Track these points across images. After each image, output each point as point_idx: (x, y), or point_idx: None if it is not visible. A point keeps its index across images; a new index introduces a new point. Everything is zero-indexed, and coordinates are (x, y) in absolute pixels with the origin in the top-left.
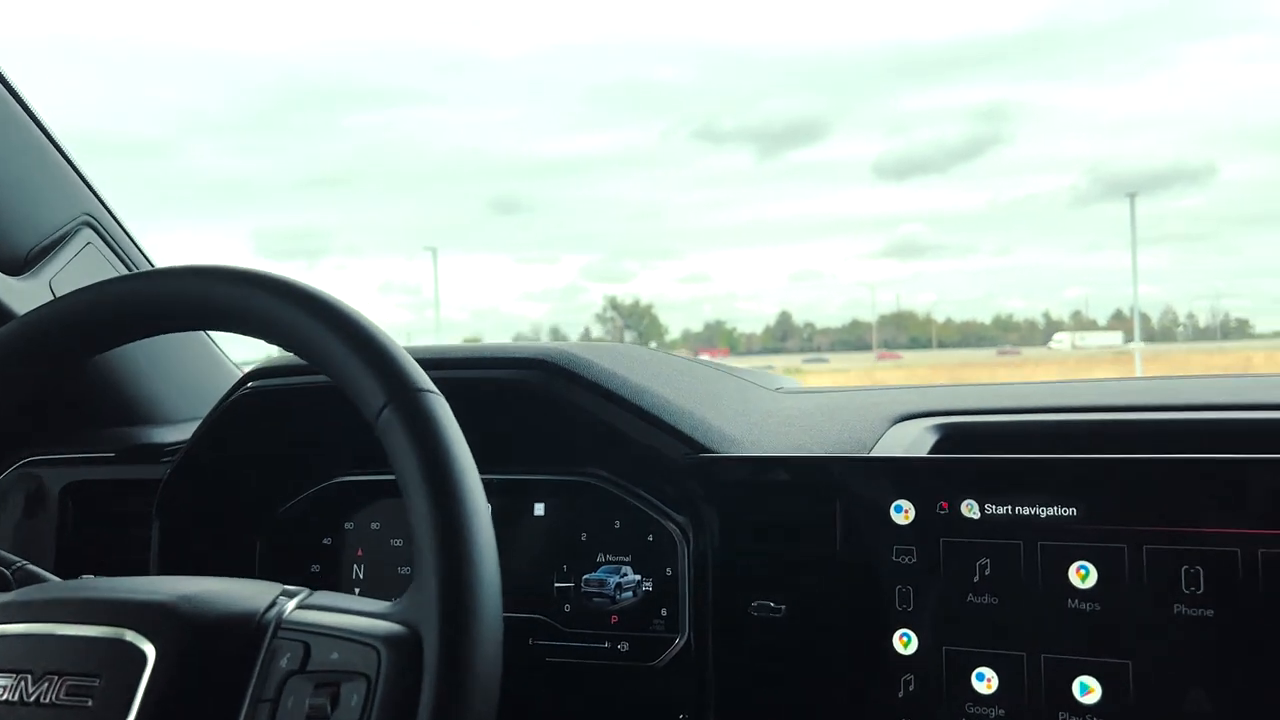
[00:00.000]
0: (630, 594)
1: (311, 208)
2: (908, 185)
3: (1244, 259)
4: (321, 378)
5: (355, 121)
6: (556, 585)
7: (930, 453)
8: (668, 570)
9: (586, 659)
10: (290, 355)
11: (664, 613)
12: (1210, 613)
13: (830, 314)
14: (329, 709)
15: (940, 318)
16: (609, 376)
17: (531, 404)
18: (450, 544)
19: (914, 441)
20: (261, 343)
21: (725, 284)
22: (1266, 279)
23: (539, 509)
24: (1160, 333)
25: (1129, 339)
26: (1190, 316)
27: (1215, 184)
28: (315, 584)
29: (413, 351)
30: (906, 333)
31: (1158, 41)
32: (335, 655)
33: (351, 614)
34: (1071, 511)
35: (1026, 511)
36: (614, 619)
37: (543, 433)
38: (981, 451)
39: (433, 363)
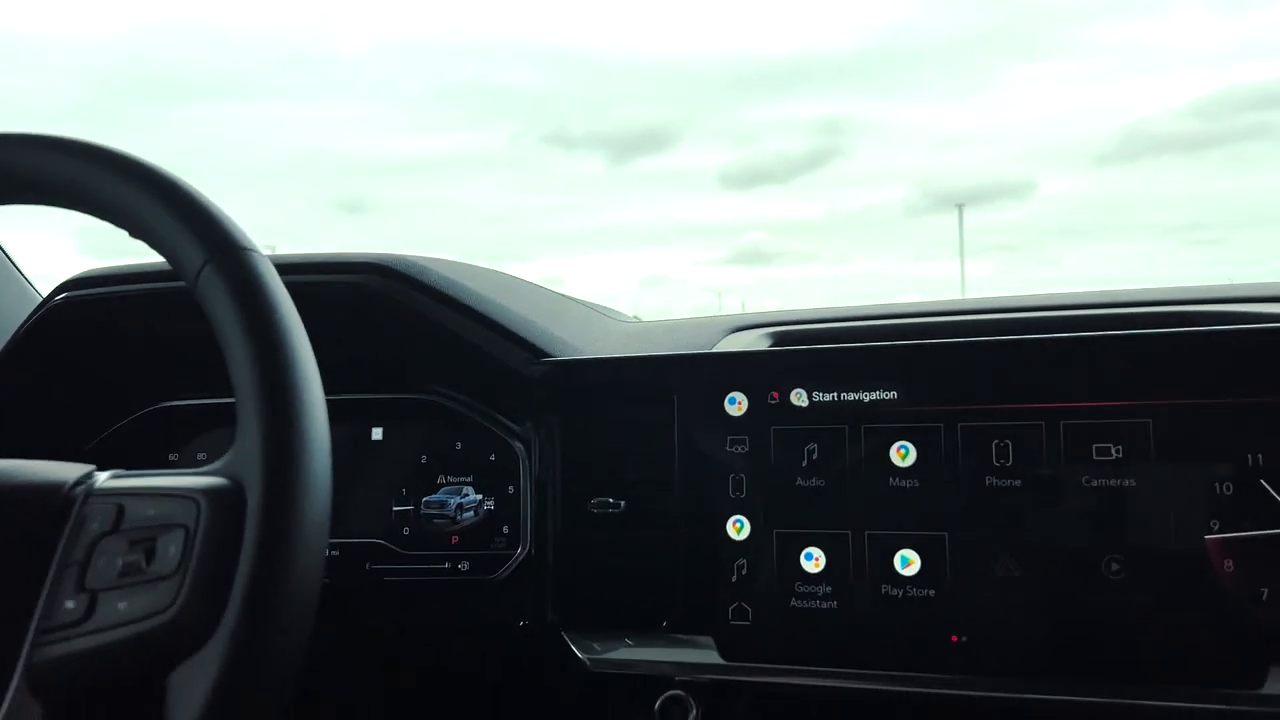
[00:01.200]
0: (471, 514)
1: None
2: (752, 194)
3: (1061, 269)
4: (144, 287)
5: (187, 114)
6: (395, 509)
7: None
8: (509, 488)
9: (425, 578)
10: (108, 265)
11: (505, 530)
12: (1018, 482)
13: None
14: (144, 563)
15: None
16: (449, 283)
17: (369, 314)
18: (275, 394)
19: (749, 344)
20: None
21: (577, 287)
22: (1080, 288)
23: (377, 433)
24: None
25: None
26: None
27: (1034, 198)
28: None
29: None
30: None
31: (983, 64)
32: (151, 512)
33: (170, 475)
34: (892, 395)
35: (851, 397)
36: (454, 539)
37: (382, 348)
38: None
39: None
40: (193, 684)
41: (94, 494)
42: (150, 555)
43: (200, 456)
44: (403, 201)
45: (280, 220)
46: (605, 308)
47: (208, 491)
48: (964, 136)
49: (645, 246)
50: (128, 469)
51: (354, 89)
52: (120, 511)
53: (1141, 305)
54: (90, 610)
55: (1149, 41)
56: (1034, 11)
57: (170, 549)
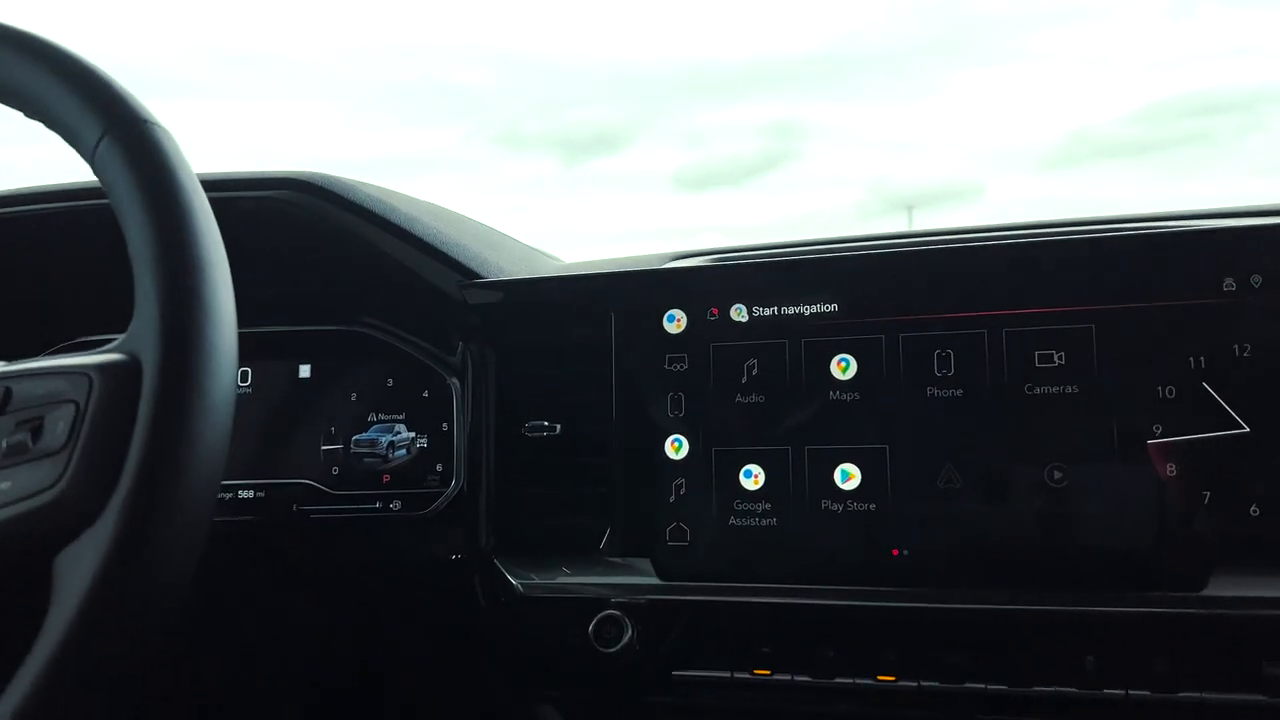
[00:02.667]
0: (404, 452)
1: None
2: (706, 196)
3: None
4: (51, 207)
5: None
6: (324, 448)
7: None
8: (443, 425)
9: (355, 516)
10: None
11: (439, 468)
12: (960, 392)
13: None
14: (30, 442)
15: None
16: (377, 201)
17: (292, 235)
18: (174, 264)
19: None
20: None
21: None
22: None
23: (304, 370)
24: None
25: None
26: None
27: (982, 201)
28: None
29: None
30: None
31: (933, 69)
32: (41, 391)
33: (63, 356)
34: (833, 308)
35: (791, 311)
36: (386, 478)
37: (306, 274)
38: None
39: None
40: (79, 567)
41: None
42: (37, 433)
43: None
44: None
45: None
46: (543, 250)
47: (101, 367)
48: (914, 141)
49: (599, 248)
50: None
51: (302, 89)
52: (8, 394)
53: (1082, 225)
54: None
55: (1094, 49)
56: (982, 18)
57: (58, 425)
